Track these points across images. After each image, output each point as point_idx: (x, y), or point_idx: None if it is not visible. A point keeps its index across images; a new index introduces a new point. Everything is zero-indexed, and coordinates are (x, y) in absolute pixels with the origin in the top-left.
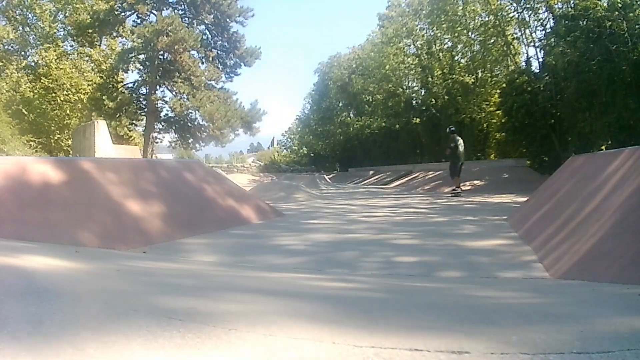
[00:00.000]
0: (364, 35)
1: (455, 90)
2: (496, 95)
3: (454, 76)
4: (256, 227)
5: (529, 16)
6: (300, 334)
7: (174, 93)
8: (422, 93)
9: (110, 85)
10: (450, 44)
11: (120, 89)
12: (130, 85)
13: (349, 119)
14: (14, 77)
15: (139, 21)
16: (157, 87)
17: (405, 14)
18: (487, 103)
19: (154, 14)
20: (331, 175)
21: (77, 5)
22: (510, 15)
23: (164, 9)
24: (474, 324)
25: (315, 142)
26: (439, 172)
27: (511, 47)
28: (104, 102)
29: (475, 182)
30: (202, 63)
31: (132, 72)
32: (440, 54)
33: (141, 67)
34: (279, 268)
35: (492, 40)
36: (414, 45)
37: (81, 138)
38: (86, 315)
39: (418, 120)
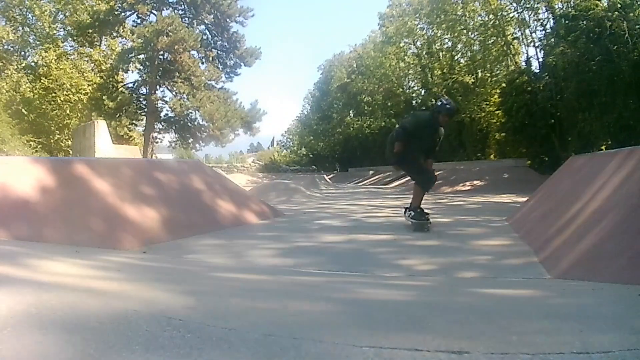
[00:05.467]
0: (365, 35)
1: (455, 90)
2: (496, 96)
3: (454, 76)
4: (256, 228)
5: (529, 16)
6: (301, 333)
7: (174, 93)
8: (422, 93)
9: (110, 85)
10: (450, 43)
11: (120, 89)
12: (130, 85)
13: (348, 118)
14: (14, 77)
15: (139, 21)
16: (157, 87)
17: (405, 13)
18: (487, 103)
19: (154, 14)
20: (331, 175)
21: (77, 6)
22: (510, 15)
23: (164, 9)
24: (474, 324)
25: (315, 142)
26: (438, 172)
27: (511, 47)
28: (104, 102)
29: (475, 182)
30: (202, 63)
31: (132, 72)
32: (440, 54)
33: (141, 67)
34: (278, 268)
35: (492, 40)
36: (414, 45)
37: (81, 138)
38: (87, 314)
39: None
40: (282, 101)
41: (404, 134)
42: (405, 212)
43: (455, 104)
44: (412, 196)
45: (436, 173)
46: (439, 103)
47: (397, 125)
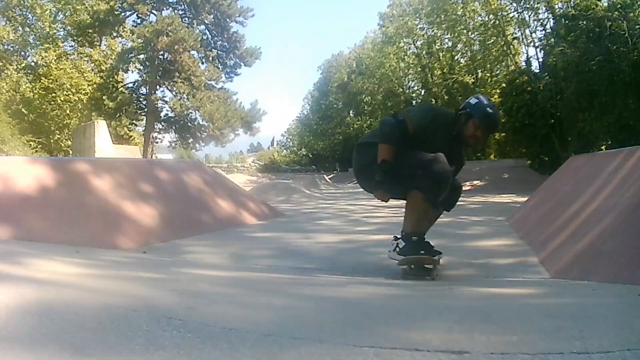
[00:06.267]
0: (364, 36)
1: (455, 90)
2: (496, 96)
3: (454, 76)
4: (256, 228)
5: (529, 16)
6: (301, 333)
7: (174, 93)
8: (422, 93)
9: (110, 85)
10: (450, 43)
11: (120, 89)
12: (130, 85)
13: (348, 118)
14: (14, 77)
15: (139, 21)
16: (157, 87)
17: (405, 13)
18: None
19: (154, 14)
20: (331, 176)
21: (77, 6)
22: (510, 15)
23: (164, 9)
24: (474, 324)
25: (315, 142)
26: None
27: (511, 47)
28: (104, 102)
29: (475, 182)
30: (202, 63)
31: (132, 72)
32: (440, 54)
33: (141, 67)
34: (278, 268)
35: (492, 40)
36: (414, 45)
37: (81, 138)
38: (86, 314)
39: None
40: (282, 101)
41: (400, 134)
42: (393, 241)
43: (498, 114)
44: (404, 214)
45: None
46: (473, 101)
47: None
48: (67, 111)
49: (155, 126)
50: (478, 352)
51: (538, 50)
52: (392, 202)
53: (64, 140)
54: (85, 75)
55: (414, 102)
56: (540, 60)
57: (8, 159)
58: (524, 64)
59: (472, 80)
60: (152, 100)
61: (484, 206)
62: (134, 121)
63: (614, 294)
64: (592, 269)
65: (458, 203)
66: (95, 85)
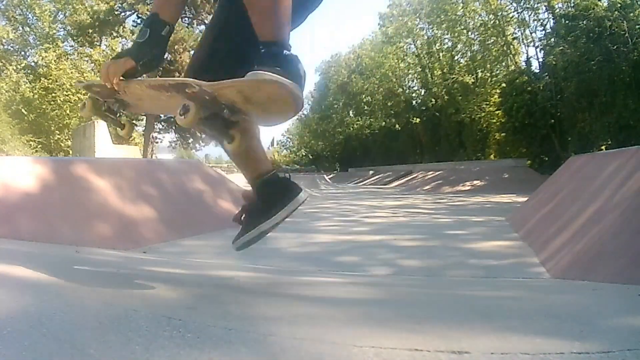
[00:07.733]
0: (364, 36)
1: (455, 90)
2: (496, 96)
3: (454, 76)
4: None
5: (529, 16)
6: (301, 333)
7: None
8: (422, 93)
9: None
10: (450, 43)
11: None
12: None
13: (348, 118)
14: (14, 77)
15: (139, 21)
16: None
17: (405, 13)
18: (487, 103)
19: None
20: (331, 175)
21: (77, 6)
22: (510, 15)
23: None
24: (474, 324)
25: (315, 142)
26: (439, 172)
27: (511, 47)
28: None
29: (475, 182)
30: None
31: None
32: (440, 54)
33: None
34: (278, 268)
35: (492, 40)
36: (414, 45)
37: (81, 138)
38: (86, 314)
39: (418, 120)
40: None
41: None
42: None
43: None
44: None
45: (436, 173)
46: None
47: (396, 126)
48: (67, 111)
49: (155, 126)
50: (478, 352)
51: (538, 50)
52: (390, 203)
53: (64, 140)
54: (85, 75)
55: (413, 102)
56: (540, 60)
57: (9, 159)
58: (524, 64)
59: (472, 80)
60: None
61: (484, 206)
62: (134, 121)
63: (614, 294)
64: (592, 269)
65: (458, 203)
66: None
